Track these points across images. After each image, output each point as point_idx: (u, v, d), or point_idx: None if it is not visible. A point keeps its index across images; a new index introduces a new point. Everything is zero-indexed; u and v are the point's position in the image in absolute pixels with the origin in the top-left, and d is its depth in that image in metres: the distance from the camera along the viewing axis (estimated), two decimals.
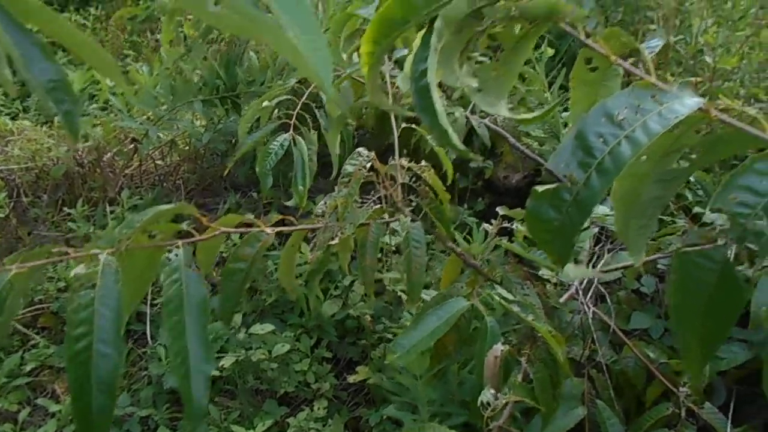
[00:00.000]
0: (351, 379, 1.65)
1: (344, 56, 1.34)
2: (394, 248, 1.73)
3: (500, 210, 1.16)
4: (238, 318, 1.78)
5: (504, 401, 0.89)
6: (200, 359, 0.75)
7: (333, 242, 0.98)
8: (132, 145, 2.29)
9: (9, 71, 0.54)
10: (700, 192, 1.60)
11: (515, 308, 0.98)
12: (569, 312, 1.25)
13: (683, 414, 1.08)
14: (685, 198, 1.59)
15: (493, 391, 0.90)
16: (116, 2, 4.18)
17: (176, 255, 0.84)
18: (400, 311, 1.71)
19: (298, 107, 1.52)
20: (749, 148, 0.57)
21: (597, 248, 1.43)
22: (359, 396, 1.76)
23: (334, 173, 1.37)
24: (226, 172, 1.69)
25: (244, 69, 2.06)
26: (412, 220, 1.08)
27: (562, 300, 1.19)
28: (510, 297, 1.01)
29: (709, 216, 0.97)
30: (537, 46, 1.89)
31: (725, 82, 1.93)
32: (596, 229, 1.45)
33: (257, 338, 1.70)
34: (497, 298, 1.00)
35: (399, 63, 1.38)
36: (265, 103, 1.54)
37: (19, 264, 0.76)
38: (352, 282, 1.79)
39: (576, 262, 1.43)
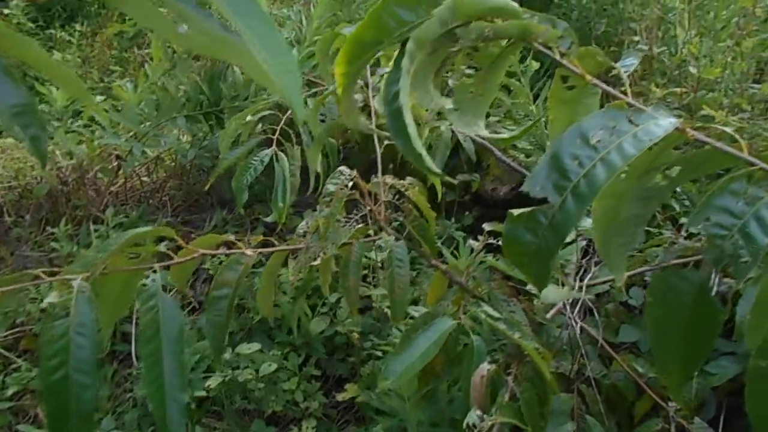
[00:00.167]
0: (340, 397, 1.63)
1: (330, 73, 1.33)
2: (380, 264, 1.72)
3: (486, 226, 1.15)
4: (225, 336, 1.75)
5: (490, 422, 0.87)
6: (176, 387, 0.73)
7: (315, 263, 0.97)
8: (116, 163, 2.26)
9: None
10: (687, 202, 1.60)
11: (501, 326, 0.97)
12: (557, 327, 1.24)
13: (673, 430, 1.07)
14: (672, 208, 1.59)
15: (479, 412, 0.89)
16: (102, 18, 4.18)
17: (153, 280, 0.82)
18: (388, 328, 1.70)
19: (282, 122, 1.52)
20: (728, 165, 0.57)
21: (584, 261, 1.43)
22: (349, 414, 1.74)
23: (311, 189, 1.35)
24: (207, 186, 1.67)
25: (228, 84, 2.05)
26: (397, 238, 1.07)
27: (549, 315, 1.18)
28: (496, 314, 1.00)
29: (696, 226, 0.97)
30: (522, 59, 1.90)
31: (709, 92, 1.94)
32: (584, 242, 1.44)
33: (244, 357, 1.68)
34: (483, 315, 0.99)
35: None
36: (248, 118, 1.53)
37: None
38: (340, 298, 1.78)
39: (564, 274, 1.42)
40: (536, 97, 1.91)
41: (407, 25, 0.56)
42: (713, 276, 0.48)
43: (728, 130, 0.51)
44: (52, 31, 3.98)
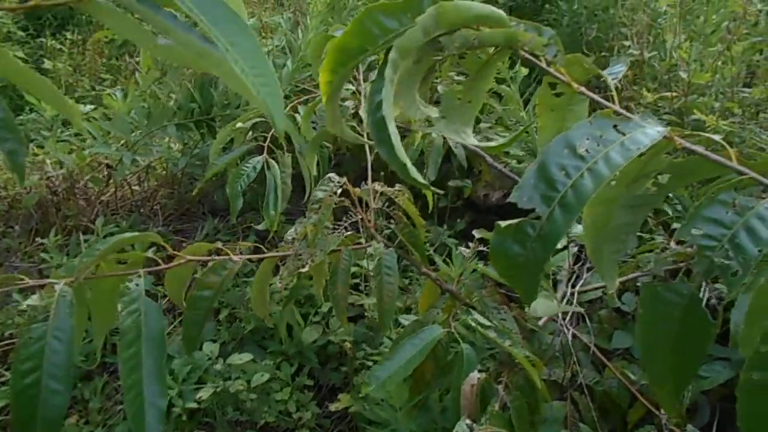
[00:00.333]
0: (333, 407, 1.61)
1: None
2: (372, 273, 1.71)
3: (476, 233, 1.15)
4: (216, 347, 1.74)
5: None
6: (155, 393, 0.72)
7: (303, 270, 0.95)
8: (107, 172, 2.25)
9: None
10: (679, 207, 1.60)
11: (492, 334, 0.96)
12: (549, 334, 1.23)
13: None
14: (665, 213, 1.59)
15: (469, 421, 0.88)
16: (93, 26, 4.16)
17: (136, 285, 0.81)
18: (380, 336, 1.68)
19: (273, 130, 1.50)
20: (717, 173, 0.56)
21: (576, 267, 1.42)
22: (342, 424, 1.72)
23: (307, 196, 1.35)
24: (195, 192, 1.65)
25: (220, 92, 2.04)
26: (387, 246, 1.06)
27: (541, 323, 1.17)
28: (486, 322, 0.99)
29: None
30: (512, 65, 1.90)
31: (700, 96, 1.95)
32: (575, 248, 1.44)
33: (236, 368, 1.66)
34: (474, 323, 0.98)
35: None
36: (239, 125, 1.52)
37: None
38: (332, 308, 1.76)
39: (555, 282, 1.42)
40: (526, 103, 1.90)
41: (391, 32, 0.55)
42: (703, 287, 0.47)
43: (717, 137, 0.50)
44: (43, 39, 3.96)
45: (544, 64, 0.56)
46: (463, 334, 1.01)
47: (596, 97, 0.55)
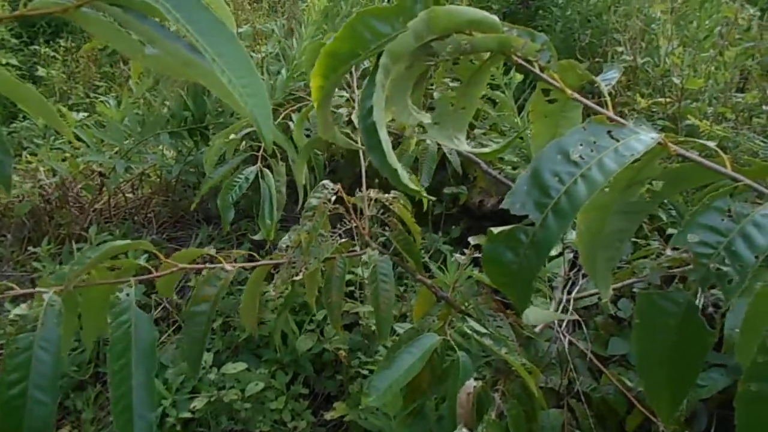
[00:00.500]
0: (328, 416, 1.60)
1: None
2: (367, 281, 1.70)
3: (472, 240, 1.14)
4: (210, 356, 1.72)
5: None
6: (144, 405, 0.71)
7: (297, 278, 0.94)
8: (100, 180, 2.23)
9: None
10: (674, 212, 1.59)
11: (487, 341, 0.95)
12: (545, 341, 1.23)
13: None
14: (659, 219, 1.59)
15: (465, 430, 0.87)
16: (87, 34, 4.15)
17: (126, 295, 0.80)
18: (375, 344, 1.67)
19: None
20: (711, 180, 0.56)
21: (572, 273, 1.41)
22: None
23: (300, 204, 1.34)
24: (193, 206, 1.64)
25: (213, 100, 2.03)
26: (382, 253, 1.05)
27: (537, 329, 1.16)
28: (482, 330, 0.98)
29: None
30: (506, 71, 1.90)
31: (694, 101, 1.95)
32: (571, 255, 1.43)
33: (230, 377, 1.64)
34: (469, 331, 0.97)
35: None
36: (232, 136, 1.51)
37: None
38: (327, 315, 1.75)
39: (551, 288, 1.41)
40: (521, 109, 1.90)
41: (383, 37, 0.54)
42: (699, 294, 0.47)
43: (711, 144, 0.50)
44: (37, 47, 3.96)
45: (537, 70, 0.56)
46: (458, 342, 1.00)
47: (590, 103, 0.55)
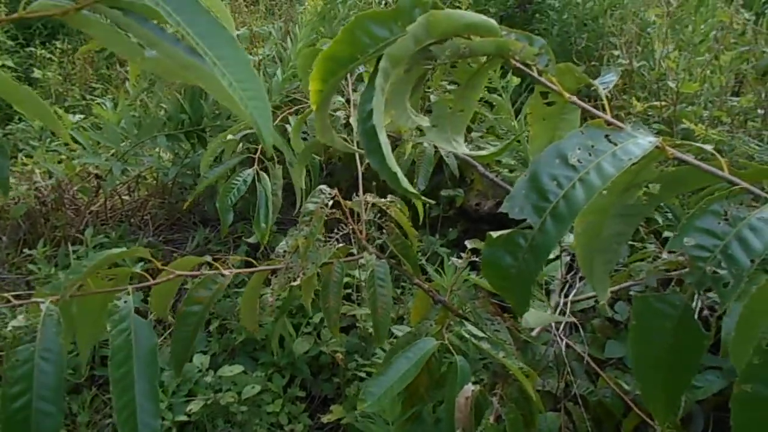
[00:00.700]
0: (325, 419, 1.59)
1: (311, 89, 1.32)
2: (364, 283, 1.70)
3: (469, 243, 1.14)
4: (206, 359, 1.72)
5: None
6: (149, 414, 0.71)
7: (294, 283, 0.94)
8: (96, 182, 2.23)
9: None
10: (670, 215, 1.60)
11: (485, 345, 0.95)
12: (542, 344, 1.23)
13: None
14: (656, 222, 1.59)
15: None
16: (84, 36, 4.14)
17: (125, 302, 0.80)
18: (372, 347, 1.67)
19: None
20: (708, 183, 0.56)
21: (569, 276, 1.42)
22: None
23: (297, 208, 1.34)
24: (186, 205, 1.64)
25: (210, 102, 2.03)
26: (379, 257, 1.05)
27: (534, 333, 1.16)
28: (480, 334, 0.98)
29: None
30: (503, 74, 1.90)
31: (689, 105, 1.96)
32: (568, 258, 1.43)
33: (227, 380, 1.64)
34: (467, 335, 0.97)
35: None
36: (229, 137, 1.51)
37: None
38: (323, 318, 1.75)
39: (548, 291, 1.41)
40: (518, 112, 1.91)
41: (381, 41, 0.54)
42: (696, 298, 0.47)
43: (708, 147, 0.50)
44: (33, 48, 3.94)
45: (535, 74, 0.56)
46: (456, 346, 1.00)
47: (587, 106, 0.55)
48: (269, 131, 0.42)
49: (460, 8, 1.61)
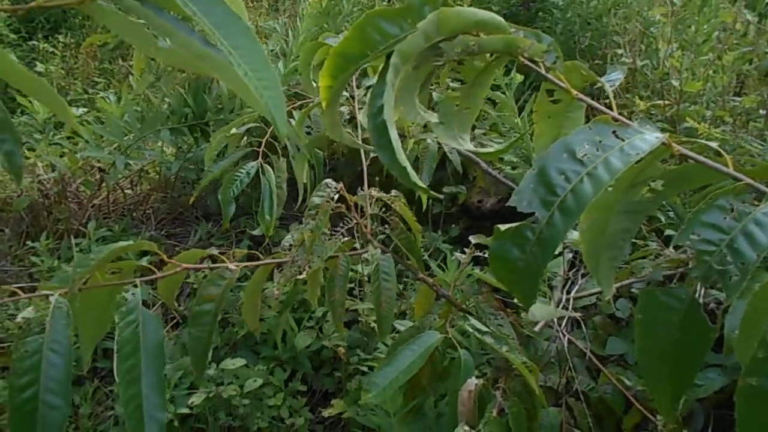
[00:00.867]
0: (326, 413, 1.60)
1: (314, 84, 1.32)
2: (367, 278, 1.70)
3: (473, 239, 1.15)
4: (208, 352, 1.72)
5: None
6: (155, 406, 0.71)
7: (300, 276, 0.95)
8: (99, 175, 2.23)
9: None
10: (672, 214, 1.61)
11: (488, 339, 0.96)
12: (545, 340, 1.24)
13: None
14: (658, 220, 1.60)
15: (467, 427, 0.87)
16: (86, 30, 4.14)
17: (133, 295, 0.80)
18: (375, 342, 1.68)
19: (268, 135, 1.50)
20: (713, 180, 0.57)
21: (571, 273, 1.42)
22: (335, 429, 1.71)
23: (299, 202, 1.34)
24: (191, 200, 1.65)
25: (213, 97, 2.04)
26: (383, 251, 1.06)
27: (537, 328, 1.17)
28: (483, 328, 0.99)
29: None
30: (507, 72, 1.91)
31: (692, 104, 1.97)
32: (570, 255, 1.44)
33: (229, 373, 1.65)
34: (470, 329, 0.98)
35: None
36: (233, 131, 1.51)
37: None
38: (326, 313, 1.76)
39: (550, 288, 1.42)
40: (521, 109, 1.91)
41: (392, 38, 0.55)
42: (701, 292, 0.48)
43: (713, 144, 0.51)
44: (35, 42, 3.94)
45: (543, 71, 0.57)
46: (459, 340, 1.01)
47: (594, 103, 0.56)
48: (283, 120, 0.43)
49: (462, 6, 1.62)
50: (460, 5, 0.63)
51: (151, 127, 2.06)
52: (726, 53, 1.99)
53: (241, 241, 2.18)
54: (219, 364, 1.66)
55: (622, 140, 0.48)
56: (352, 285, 1.81)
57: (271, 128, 1.53)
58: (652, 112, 1.94)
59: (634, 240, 1.49)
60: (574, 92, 0.56)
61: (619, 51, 2.23)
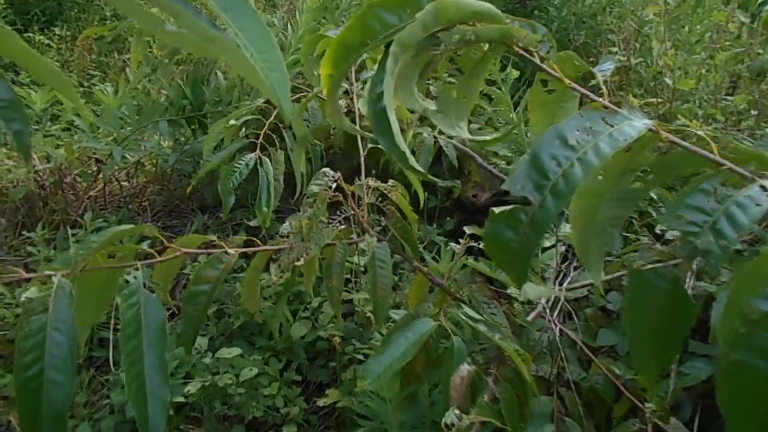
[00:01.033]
0: (321, 402, 1.62)
1: (315, 74, 1.34)
2: (363, 269, 1.72)
3: (467, 229, 1.17)
4: (204, 342, 1.74)
5: (469, 422, 0.88)
6: (158, 385, 0.73)
7: (298, 263, 0.97)
8: (95, 167, 2.24)
9: None
10: (663, 209, 1.63)
11: (482, 328, 0.98)
12: (537, 330, 1.26)
13: (650, 430, 1.09)
14: (649, 215, 1.63)
15: (458, 412, 0.89)
16: (82, 22, 4.14)
17: (134, 277, 0.82)
18: (370, 332, 1.70)
19: (266, 127, 1.52)
20: (700, 168, 0.59)
21: (563, 266, 1.45)
22: (330, 419, 1.73)
23: (298, 193, 1.36)
24: (189, 190, 1.66)
25: (211, 89, 2.05)
26: (379, 240, 1.08)
27: (529, 318, 1.19)
28: (477, 316, 1.01)
29: (672, 233, 0.99)
30: (503, 68, 1.93)
31: (684, 102, 1.99)
32: (563, 248, 1.47)
33: (224, 362, 1.66)
34: (464, 317, 1.00)
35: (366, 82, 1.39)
36: (231, 122, 1.53)
37: None
38: (321, 303, 1.78)
39: (543, 279, 1.44)
40: (516, 105, 1.94)
41: (391, 28, 0.57)
42: (688, 273, 0.50)
43: (701, 132, 0.53)
44: (31, 34, 3.93)
45: (537, 60, 0.59)
46: (452, 329, 1.03)
47: (586, 91, 0.58)
48: (288, 102, 0.45)
49: None
50: None
51: (149, 118, 2.07)
52: (719, 53, 2.02)
53: (237, 233, 2.19)
54: (215, 354, 1.68)
55: (612, 126, 0.50)
56: (348, 276, 1.83)
57: (269, 120, 1.54)
58: (645, 109, 1.97)
59: (626, 234, 1.52)
60: (567, 81, 0.58)
61: (614, 49, 2.26)
